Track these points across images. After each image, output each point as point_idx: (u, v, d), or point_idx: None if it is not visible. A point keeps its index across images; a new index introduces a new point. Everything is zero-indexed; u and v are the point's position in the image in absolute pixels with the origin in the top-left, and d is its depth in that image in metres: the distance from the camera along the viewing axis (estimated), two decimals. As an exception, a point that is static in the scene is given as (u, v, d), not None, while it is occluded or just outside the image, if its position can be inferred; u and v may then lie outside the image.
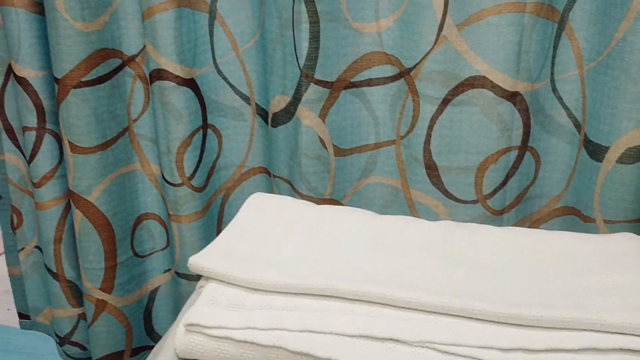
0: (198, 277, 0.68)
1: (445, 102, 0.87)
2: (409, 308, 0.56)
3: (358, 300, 0.58)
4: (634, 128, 0.79)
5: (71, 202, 0.96)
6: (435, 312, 0.56)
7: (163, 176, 0.96)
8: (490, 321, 0.54)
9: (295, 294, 0.59)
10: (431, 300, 0.55)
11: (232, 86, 0.98)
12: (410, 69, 0.87)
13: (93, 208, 0.95)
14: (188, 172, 0.95)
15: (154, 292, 1.07)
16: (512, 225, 0.92)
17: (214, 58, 0.96)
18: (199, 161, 0.97)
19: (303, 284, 0.59)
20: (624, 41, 0.77)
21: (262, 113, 0.99)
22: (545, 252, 0.65)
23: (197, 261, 0.63)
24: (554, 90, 0.87)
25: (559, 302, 0.55)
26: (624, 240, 0.66)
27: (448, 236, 0.69)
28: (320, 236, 0.69)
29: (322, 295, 0.59)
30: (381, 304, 0.57)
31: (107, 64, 0.92)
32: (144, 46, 0.92)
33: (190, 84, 0.92)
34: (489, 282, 0.60)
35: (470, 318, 0.55)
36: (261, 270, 0.61)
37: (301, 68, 0.87)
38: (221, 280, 0.62)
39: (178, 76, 0.90)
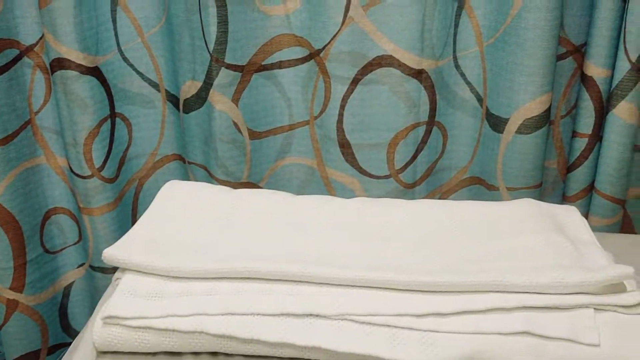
0: (114, 270, 0.66)
1: (355, 81, 0.89)
2: (327, 284, 0.58)
3: (277, 280, 0.59)
4: (530, 100, 0.84)
5: (-28, 200, 0.91)
6: (351, 286, 0.58)
7: (71, 168, 0.93)
8: (404, 290, 0.57)
9: (214, 278, 0.59)
10: (347, 274, 0.57)
11: (139, 73, 0.95)
12: (320, 50, 0.88)
13: (-3, 206, 0.91)
14: (97, 163, 0.92)
15: (68, 288, 1.03)
16: (423, 197, 0.96)
17: (118, 44, 0.93)
18: (109, 151, 0.94)
19: (221, 268, 0.59)
20: (518, 18, 0.81)
21: (172, 99, 0.97)
22: (454, 222, 0.68)
23: (112, 253, 0.62)
24: (457, 66, 0.90)
25: (468, 268, 0.58)
26: (525, 205, 0.71)
27: (362, 212, 0.71)
28: (237, 220, 0.69)
29: (241, 278, 0.59)
30: (299, 281, 0.58)
31: (3, 55, 0.87)
32: (43, 35, 0.88)
33: (95, 72, 0.89)
34: (403, 254, 0.62)
35: (385, 289, 0.57)
36: (179, 258, 0.60)
37: (211, 52, 0.86)
38: (138, 271, 0.61)
39: (81, 64, 0.87)
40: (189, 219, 0.68)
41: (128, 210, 1.01)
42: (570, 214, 0.69)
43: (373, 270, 0.57)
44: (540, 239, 0.62)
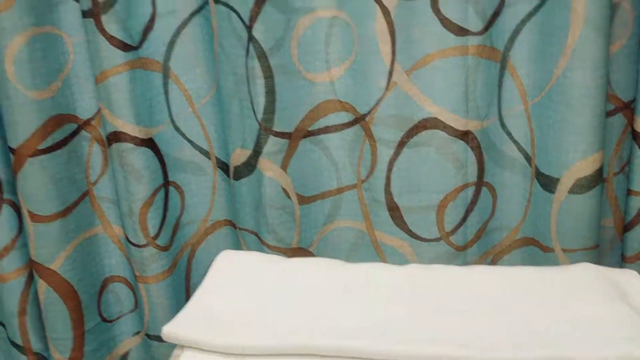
0: (169, 339, 0.67)
1: (401, 144, 0.89)
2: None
3: (337, 356, 0.58)
4: (581, 159, 0.82)
5: (34, 272, 0.95)
6: None
7: (127, 238, 0.95)
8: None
9: (274, 355, 0.59)
10: (407, 349, 0.56)
11: (190, 142, 0.98)
12: (365, 115, 0.90)
13: (57, 277, 0.93)
14: (152, 231, 0.95)
15: (125, 357, 1.04)
16: (476, 259, 0.94)
17: (170, 116, 0.97)
18: (163, 219, 0.96)
19: (280, 345, 0.59)
20: (563, 77, 0.81)
21: (222, 166, 1.00)
22: (512, 291, 0.66)
23: (171, 330, 0.62)
24: (503, 125, 0.90)
25: (530, 342, 0.56)
26: (584, 271, 0.68)
27: (416, 281, 0.70)
28: (291, 291, 0.69)
29: (302, 354, 0.59)
30: (361, 358, 0.57)
31: (62, 130, 0.92)
32: (99, 109, 0.92)
33: (149, 143, 0.93)
34: (459, 326, 0.60)
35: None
36: (237, 334, 0.61)
37: (259, 121, 0.89)
38: (198, 348, 0.61)
39: (136, 137, 0.90)
40: (244, 292, 0.69)
41: (182, 277, 1.03)
42: (631, 279, 0.67)
43: (434, 345, 0.56)
44: (604, 309, 0.60)
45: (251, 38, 0.85)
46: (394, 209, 0.92)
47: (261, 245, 0.95)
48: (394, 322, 0.62)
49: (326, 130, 0.93)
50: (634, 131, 0.84)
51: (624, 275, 0.69)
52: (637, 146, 0.84)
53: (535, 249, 0.92)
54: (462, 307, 0.64)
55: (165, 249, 0.97)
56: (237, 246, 1.02)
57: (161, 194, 0.96)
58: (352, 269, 0.74)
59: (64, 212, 0.93)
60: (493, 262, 0.96)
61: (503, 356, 0.54)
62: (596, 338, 0.55)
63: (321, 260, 0.77)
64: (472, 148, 0.89)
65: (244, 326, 0.62)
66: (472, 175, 0.90)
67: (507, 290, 0.66)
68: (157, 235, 0.95)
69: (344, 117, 0.92)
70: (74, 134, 0.94)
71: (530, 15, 0.84)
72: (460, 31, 0.83)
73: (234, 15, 0.85)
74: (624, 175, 0.89)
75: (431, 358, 0.56)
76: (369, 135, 0.90)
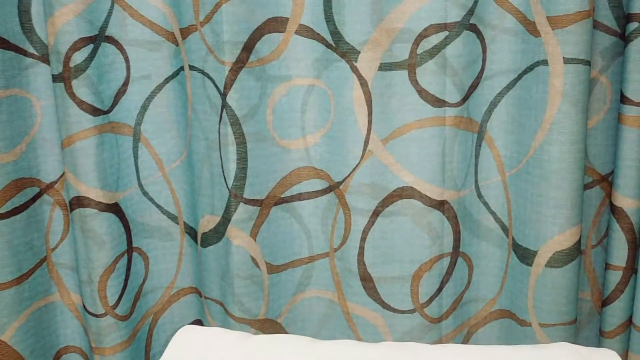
0: None
1: (376, 213, 0.87)
2: None
3: None
4: (559, 232, 0.81)
5: (-18, 342, 0.88)
6: None
7: (84, 306, 0.90)
8: None
9: None
10: None
11: (158, 206, 0.95)
12: (340, 183, 0.87)
13: (8, 348, 0.87)
14: (111, 300, 0.89)
15: None
16: (451, 332, 0.91)
17: (138, 179, 0.93)
18: (124, 288, 0.91)
19: None
20: (541, 150, 0.80)
21: (191, 232, 0.96)
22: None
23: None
24: (480, 196, 0.88)
25: None
26: (562, 353, 0.66)
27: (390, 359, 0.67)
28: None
29: None
30: None
31: (23, 194, 0.87)
32: (63, 173, 0.88)
33: (114, 208, 0.89)
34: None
35: None
36: None
37: (230, 188, 0.86)
38: None
39: (100, 202, 0.86)
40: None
41: (142, 347, 0.97)
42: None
43: None
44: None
45: (225, 105, 0.83)
46: (366, 279, 0.89)
47: (226, 315, 0.91)
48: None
49: (299, 197, 0.90)
50: (611, 204, 0.83)
51: (604, 357, 0.67)
52: (614, 219, 0.83)
53: (512, 322, 0.90)
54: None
55: (124, 318, 0.92)
56: (202, 315, 0.97)
57: (123, 260, 0.91)
58: (320, 349, 0.70)
59: (19, 280, 0.87)
60: (468, 335, 0.93)
61: None
62: None
63: (287, 338, 0.72)
64: (448, 218, 0.87)
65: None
66: (447, 245, 0.88)
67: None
68: (116, 304, 0.90)
69: (318, 184, 0.89)
70: (36, 198, 0.89)
71: (508, 88, 0.83)
72: (438, 102, 0.82)
73: (208, 81, 0.83)
74: (602, 248, 0.88)
75: None
76: (343, 203, 0.88)
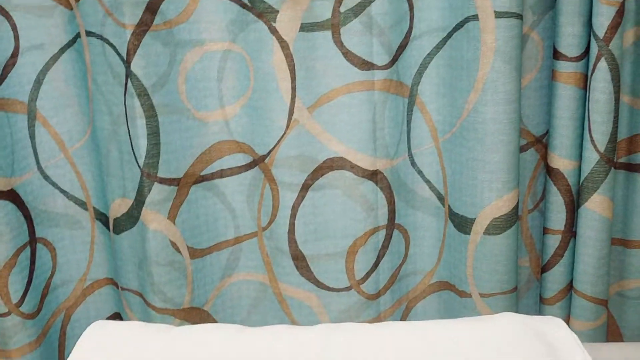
0: None
1: (305, 187, 0.81)
2: None
3: None
4: (497, 198, 0.77)
5: None
6: None
7: (-16, 308, 0.80)
8: None
9: None
10: None
11: (63, 191, 0.85)
12: (264, 156, 0.80)
13: None
14: (15, 297, 0.80)
15: None
16: (389, 308, 0.87)
17: (37, 163, 0.83)
18: (29, 283, 0.82)
19: None
20: (475, 112, 0.76)
21: (102, 218, 0.87)
22: (427, 350, 0.59)
23: None
24: (413, 164, 0.84)
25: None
26: (507, 324, 0.62)
27: (325, 345, 0.61)
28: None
29: None
30: None
31: None
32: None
33: (10, 195, 0.79)
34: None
35: None
36: None
37: (141, 167, 0.77)
38: None
39: (-8, 189, 0.76)
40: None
41: (54, 347, 0.88)
42: (559, 331, 0.61)
43: None
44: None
45: (129, 74, 0.74)
46: (298, 258, 0.83)
47: (147, 307, 0.83)
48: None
49: (221, 174, 0.83)
50: (547, 166, 0.80)
51: (550, 326, 0.63)
52: (551, 182, 0.80)
53: (451, 294, 0.86)
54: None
55: (31, 316, 0.82)
56: (120, 308, 0.89)
57: (26, 252, 0.82)
58: (249, 338, 0.63)
59: None
60: (407, 310, 0.89)
61: None
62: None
63: (212, 327, 0.65)
64: (381, 189, 0.82)
65: None
66: (382, 217, 0.83)
67: (423, 350, 0.58)
68: (21, 302, 0.80)
69: (241, 159, 0.82)
70: None
71: (437, 48, 0.78)
72: (365, 65, 0.76)
73: (108, 48, 0.74)
74: (539, 212, 0.85)
75: None
76: (270, 178, 0.81)
